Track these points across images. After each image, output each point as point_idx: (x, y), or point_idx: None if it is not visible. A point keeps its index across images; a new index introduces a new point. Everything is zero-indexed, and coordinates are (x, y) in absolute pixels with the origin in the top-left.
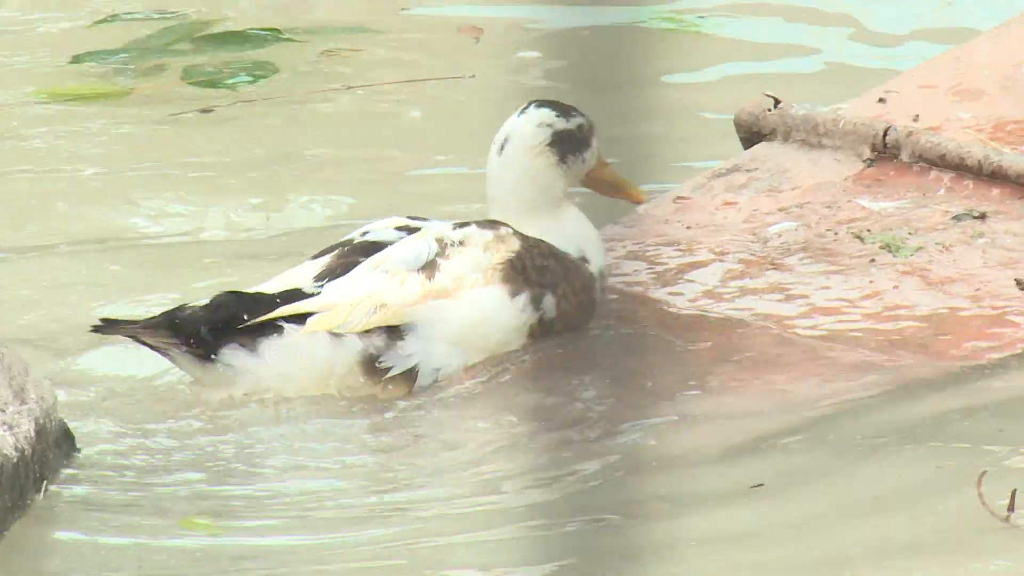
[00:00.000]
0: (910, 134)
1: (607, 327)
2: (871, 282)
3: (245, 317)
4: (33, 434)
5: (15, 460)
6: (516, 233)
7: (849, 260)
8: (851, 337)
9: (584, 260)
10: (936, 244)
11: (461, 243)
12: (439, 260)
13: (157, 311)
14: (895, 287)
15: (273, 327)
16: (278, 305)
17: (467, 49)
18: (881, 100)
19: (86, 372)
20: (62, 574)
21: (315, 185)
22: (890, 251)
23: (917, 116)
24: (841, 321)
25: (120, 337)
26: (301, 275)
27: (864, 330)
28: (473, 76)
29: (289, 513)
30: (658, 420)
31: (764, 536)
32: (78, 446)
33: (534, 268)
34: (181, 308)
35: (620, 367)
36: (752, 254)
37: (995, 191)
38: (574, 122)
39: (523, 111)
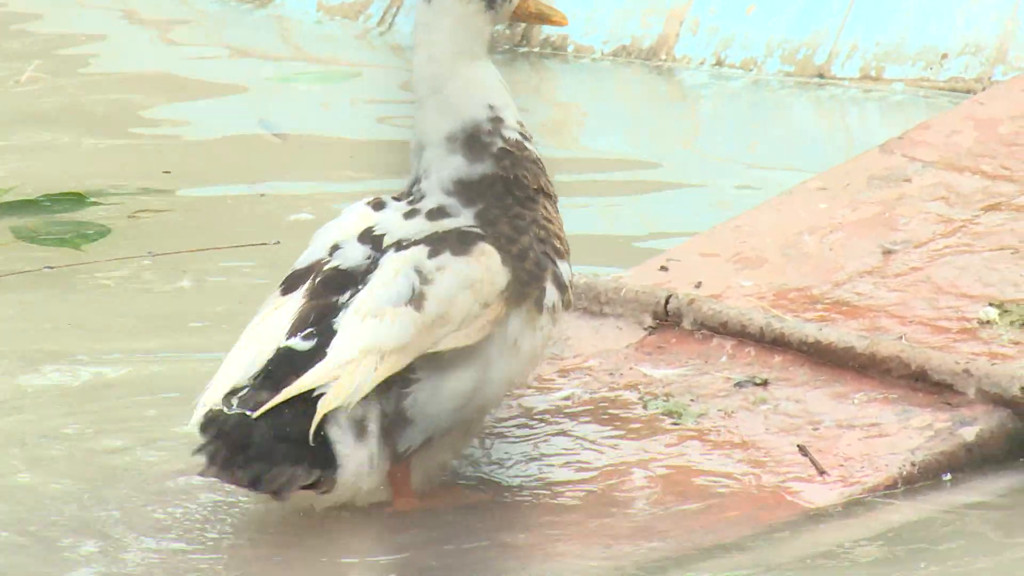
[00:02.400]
0: (691, 301)
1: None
2: (653, 448)
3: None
4: None
5: None
6: (489, 240)
7: (632, 426)
8: (633, 502)
9: (497, 116)
10: (718, 410)
11: (440, 269)
12: (424, 288)
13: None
14: (677, 453)
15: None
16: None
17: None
18: (663, 268)
19: None
20: None
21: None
22: (672, 417)
23: (699, 283)
24: (623, 487)
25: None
26: (273, 329)
27: (646, 495)
28: (278, 242)
29: None
30: None
31: None
32: None
33: (529, 273)
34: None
35: (402, 541)
36: (537, 420)
37: (777, 358)
38: None
39: None
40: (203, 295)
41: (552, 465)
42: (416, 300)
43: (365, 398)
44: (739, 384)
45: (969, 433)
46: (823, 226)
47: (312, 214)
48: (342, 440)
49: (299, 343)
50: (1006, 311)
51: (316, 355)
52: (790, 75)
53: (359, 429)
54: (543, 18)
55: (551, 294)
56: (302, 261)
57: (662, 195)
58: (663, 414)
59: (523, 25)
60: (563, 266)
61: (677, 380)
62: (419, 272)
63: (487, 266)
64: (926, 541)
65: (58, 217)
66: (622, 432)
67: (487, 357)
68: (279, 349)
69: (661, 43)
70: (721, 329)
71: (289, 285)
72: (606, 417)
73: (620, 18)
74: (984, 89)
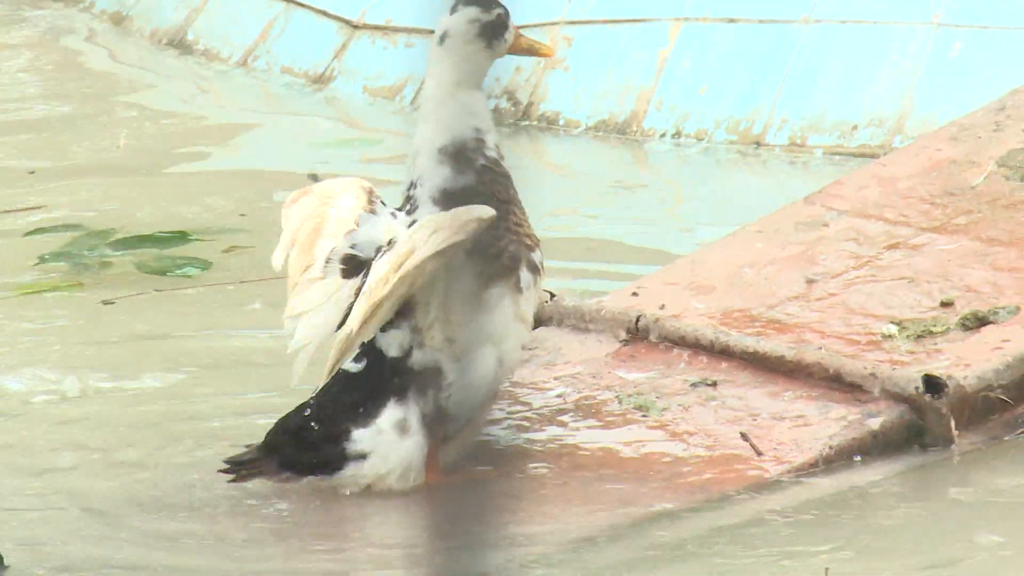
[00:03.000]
0: (657, 320)
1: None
2: (626, 435)
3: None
4: None
5: None
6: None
7: (610, 418)
8: (610, 476)
9: (481, 138)
10: (678, 405)
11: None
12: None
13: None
14: (646, 439)
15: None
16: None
17: None
18: (634, 294)
19: None
20: None
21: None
22: (642, 411)
23: (663, 306)
24: (602, 465)
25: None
26: (339, 311)
27: (620, 471)
28: None
29: None
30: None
31: None
32: (6, 564)
33: (505, 266)
34: (278, 437)
35: (412, 511)
36: (535, 413)
37: (724, 364)
38: (494, 13)
39: (454, 10)
40: (274, 315)
41: (547, 447)
42: (387, 246)
43: (405, 402)
44: (694, 385)
45: (875, 423)
46: (760, 261)
47: None
48: (378, 439)
49: (352, 366)
50: (904, 328)
51: (368, 375)
52: (733, 143)
53: (402, 429)
54: (533, 51)
55: (525, 278)
56: (360, 244)
57: (634, 236)
58: (634, 408)
59: (524, 104)
60: (535, 254)
61: (645, 382)
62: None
63: (447, 211)
64: (841, 507)
65: (167, 252)
66: (602, 423)
67: (497, 333)
68: (338, 372)
69: (632, 118)
70: (680, 342)
71: (349, 269)
72: (589, 411)
73: (600, 98)
74: (886, 154)
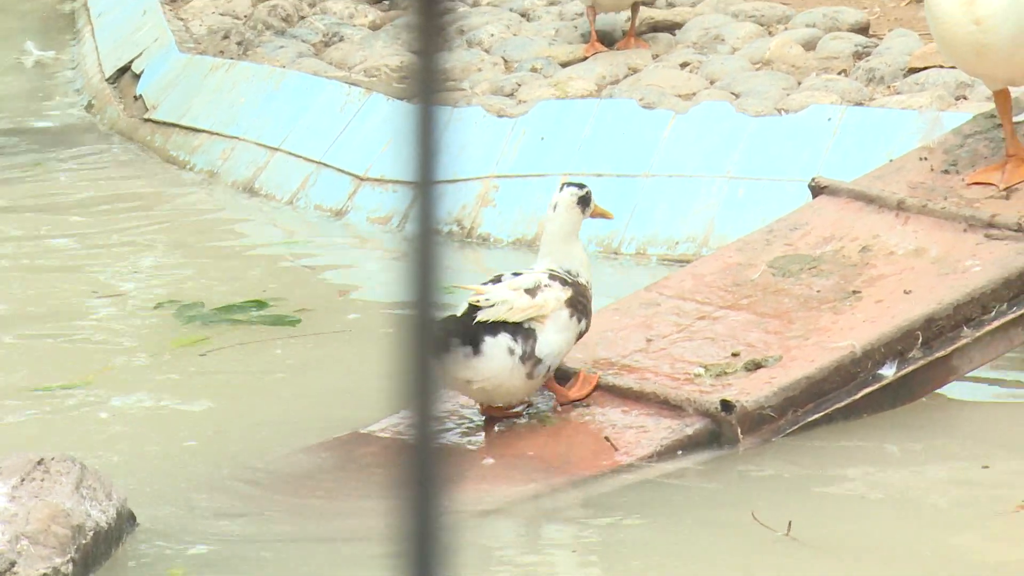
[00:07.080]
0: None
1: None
2: (545, 436)
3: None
4: (115, 516)
5: (106, 529)
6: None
7: (522, 427)
8: (524, 465)
9: (575, 272)
10: (566, 419)
11: (548, 286)
12: (538, 290)
13: None
14: (547, 441)
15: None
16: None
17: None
18: None
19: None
20: None
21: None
22: (543, 423)
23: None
24: (520, 458)
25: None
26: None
27: (531, 461)
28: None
29: None
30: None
31: None
32: (138, 521)
33: (581, 302)
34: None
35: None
36: (473, 424)
37: (595, 393)
38: (584, 191)
39: (562, 189)
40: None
41: (477, 449)
42: (532, 291)
43: (516, 338)
44: (576, 405)
45: (690, 430)
46: (616, 327)
47: None
48: (495, 351)
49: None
50: (708, 369)
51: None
52: (601, 252)
53: (510, 351)
54: (603, 215)
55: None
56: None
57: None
58: (539, 421)
59: (468, 228)
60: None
61: (544, 403)
62: (536, 283)
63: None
64: (671, 483)
65: (256, 314)
66: (516, 431)
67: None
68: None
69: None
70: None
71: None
72: (508, 423)
73: (515, 224)
74: (696, 259)
